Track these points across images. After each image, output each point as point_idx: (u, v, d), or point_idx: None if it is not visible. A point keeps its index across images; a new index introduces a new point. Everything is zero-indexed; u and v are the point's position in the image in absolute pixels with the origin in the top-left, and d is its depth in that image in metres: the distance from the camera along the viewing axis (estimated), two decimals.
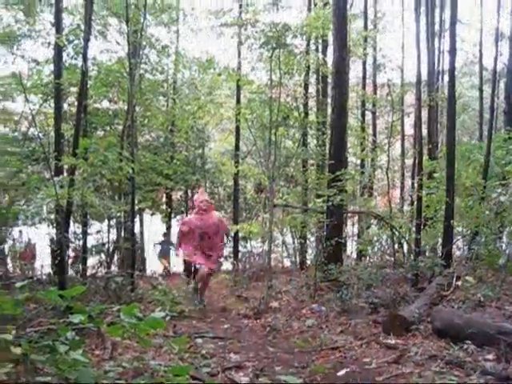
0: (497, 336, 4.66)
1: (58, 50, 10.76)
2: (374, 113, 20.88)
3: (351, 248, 18.60)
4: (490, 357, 4.59)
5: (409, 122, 22.84)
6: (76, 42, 13.53)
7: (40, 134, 15.39)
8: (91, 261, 10.80)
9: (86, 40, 10.50)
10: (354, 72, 21.71)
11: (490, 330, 4.83)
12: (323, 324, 6.91)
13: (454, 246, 10.54)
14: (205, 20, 19.82)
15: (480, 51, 18.08)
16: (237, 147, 16.91)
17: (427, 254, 10.90)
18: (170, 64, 18.21)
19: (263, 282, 9.44)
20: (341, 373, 4.60)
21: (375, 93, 20.81)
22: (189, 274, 10.67)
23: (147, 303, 8.13)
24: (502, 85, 17.23)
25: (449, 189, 9.29)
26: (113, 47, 15.77)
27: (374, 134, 20.65)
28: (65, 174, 10.32)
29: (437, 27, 16.62)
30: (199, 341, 5.84)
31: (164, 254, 17.47)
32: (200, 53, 18.84)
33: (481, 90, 17.68)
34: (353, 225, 19.59)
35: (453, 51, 9.82)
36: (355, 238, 17.24)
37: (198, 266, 9.36)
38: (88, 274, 9.69)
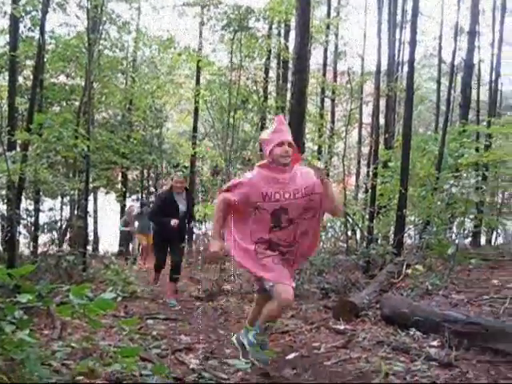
0: (442, 323, 4.78)
1: (15, 20, 10.45)
2: (333, 100, 21.02)
3: None
4: (435, 343, 4.70)
5: (367, 110, 23.08)
6: (33, 13, 13.14)
7: None
8: (43, 238, 10.64)
9: (44, 12, 10.25)
10: (315, 58, 21.80)
11: (436, 317, 4.94)
12: None
13: (406, 235, 10.75)
14: None
15: (439, 44, 18.44)
16: (195, 128, 16.83)
17: (379, 241, 11.09)
18: (130, 41, 17.94)
19: (216, 265, 9.44)
20: (290, 356, 4.66)
21: (335, 80, 20.94)
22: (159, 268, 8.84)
23: (99, 283, 8.06)
24: (459, 78, 17.53)
25: (403, 178, 9.44)
26: (72, 21, 15.43)
27: (333, 122, 20.83)
28: (18, 150, 10.09)
29: (399, 18, 16.78)
30: (150, 322, 5.83)
31: (142, 230, 14.23)
32: (161, 31, 18.67)
33: (438, 83, 18.00)
34: None
35: (413, 43, 9.95)
36: None
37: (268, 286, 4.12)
38: (39, 251, 9.54)
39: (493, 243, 18.34)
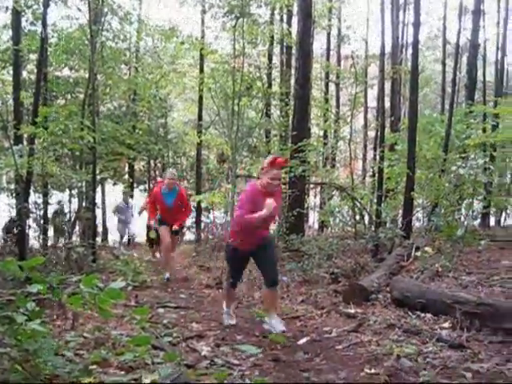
0: (453, 305, 4.78)
1: (17, 15, 10.46)
2: (337, 84, 20.95)
3: (313, 219, 18.79)
4: (446, 325, 4.70)
5: (372, 94, 22.99)
6: (35, 7, 13.10)
7: None
8: (52, 231, 10.69)
9: (46, 5, 10.22)
10: (319, 43, 21.72)
11: (447, 299, 4.94)
12: (284, 294, 6.97)
13: (414, 218, 10.73)
14: None
15: (444, 25, 18.30)
16: (200, 117, 16.77)
17: (387, 225, 11.07)
18: (132, 32, 17.86)
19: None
20: (301, 341, 4.67)
21: (339, 64, 20.87)
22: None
23: (109, 273, 8.09)
24: (464, 59, 17.41)
25: (410, 161, 9.41)
26: (74, 13, 15.35)
27: (338, 106, 20.76)
28: (24, 143, 10.12)
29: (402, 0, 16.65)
30: (161, 311, 5.85)
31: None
32: (163, 21, 18.55)
33: (443, 64, 17.89)
34: (315, 196, 19.76)
35: (417, 24, 9.86)
36: (317, 209, 17.38)
37: None
38: (49, 244, 9.58)
39: (502, 224, 18.30)
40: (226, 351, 4.20)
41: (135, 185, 20.30)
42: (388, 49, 13.84)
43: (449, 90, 16.41)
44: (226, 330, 5.19)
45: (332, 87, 21.37)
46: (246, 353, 4.02)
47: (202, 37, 15.69)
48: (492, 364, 3.71)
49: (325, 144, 16.49)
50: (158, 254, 11.64)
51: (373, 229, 9.73)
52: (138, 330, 4.50)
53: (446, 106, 15.85)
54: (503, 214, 19.12)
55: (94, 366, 3.19)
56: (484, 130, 12.98)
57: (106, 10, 13.77)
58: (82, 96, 14.76)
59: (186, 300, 7.00)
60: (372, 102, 22.86)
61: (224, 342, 4.59)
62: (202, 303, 6.83)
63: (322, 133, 19.48)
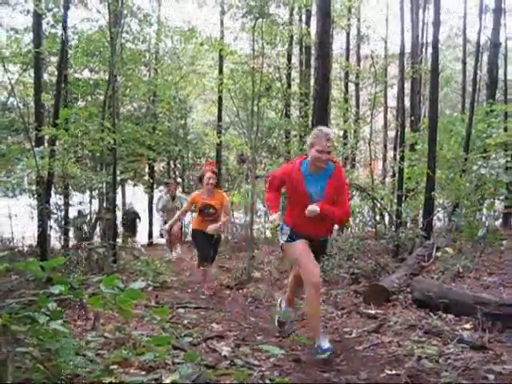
0: (474, 306, 4.74)
1: (37, 17, 10.57)
2: (357, 84, 20.87)
3: None
4: (468, 326, 4.67)
5: (392, 93, 22.88)
6: (55, 9, 13.25)
7: (20, 104, 15.17)
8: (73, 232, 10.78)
9: (66, 8, 10.34)
10: (338, 43, 21.67)
11: (468, 300, 4.91)
12: (304, 294, 6.97)
13: (435, 218, 10.65)
14: None
15: (464, 23, 18.10)
16: (219, 118, 16.81)
17: (408, 225, 11.00)
18: (152, 33, 17.96)
19: (245, 253, 9.47)
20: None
21: (358, 64, 20.78)
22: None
23: (130, 274, 8.14)
24: (485, 58, 17.23)
25: (430, 161, 9.35)
26: (93, 16, 15.49)
27: (357, 106, 20.68)
28: (45, 145, 10.22)
29: None
30: (181, 311, 5.88)
31: None
32: (182, 22, 18.64)
33: (464, 63, 17.73)
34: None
35: (437, 23, 9.79)
36: None
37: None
38: (70, 245, 9.66)
39: None
40: (246, 352, 4.20)
41: (155, 185, 20.38)
42: (408, 48, 13.76)
43: (469, 89, 16.25)
44: (245, 330, 5.21)
45: (351, 87, 21.30)
46: (266, 353, 4.03)
47: (221, 38, 15.73)
48: None
49: (345, 144, 16.40)
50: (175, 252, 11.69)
51: (393, 229, 9.67)
52: (158, 330, 4.53)
53: (467, 106, 15.69)
54: None
55: (115, 366, 3.21)
56: (505, 129, 12.82)
57: (125, 11, 13.84)
58: (102, 98, 14.86)
59: (206, 300, 7.03)
60: (392, 102, 22.76)
61: (244, 343, 4.60)
62: (223, 304, 6.84)
63: (341, 133, 19.42)
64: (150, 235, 17.76)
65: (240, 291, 7.62)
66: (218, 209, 7.55)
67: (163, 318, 4.37)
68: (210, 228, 7.39)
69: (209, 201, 7.52)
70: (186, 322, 5.22)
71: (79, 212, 11.93)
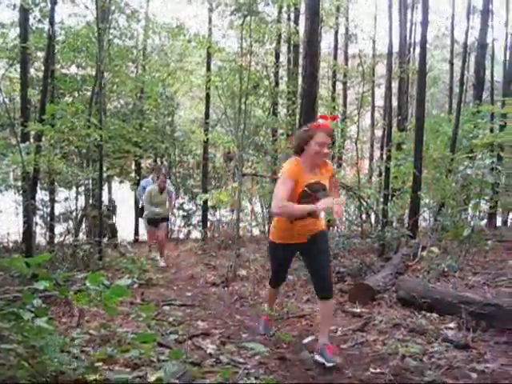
0: (459, 305, 4.78)
1: (24, 12, 10.49)
2: (344, 83, 20.92)
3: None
4: (452, 325, 4.70)
5: (379, 93, 22.95)
6: (42, 4, 13.14)
7: (6, 100, 15.05)
8: (58, 229, 10.72)
9: (53, 3, 10.27)
10: (326, 42, 21.68)
11: (453, 299, 4.94)
12: (290, 292, 6.98)
13: (421, 217, 10.71)
14: None
15: (452, 24, 18.21)
16: (206, 115, 16.76)
17: (394, 224, 11.06)
18: (139, 29, 17.89)
19: (231, 251, 9.47)
20: (306, 340, 4.68)
21: (346, 63, 20.81)
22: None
23: (115, 271, 8.11)
24: (472, 59, 17.35)
25: (416, 160, 9.40)
26: (81, 11, 15.38)
27: (345, 105, 20.72)
28: (31, 141, 10.15)
29: None
30: (167, 308, 5.87)
31: None
32: (170, 19, 18.58)
33: (451, 64, 17.82)
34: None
35: (425, 23, 9.84)
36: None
37: None
38: (55, 241, 9.61)
39: (509, 224, 18.23)
40: (231, 349, 4.21)
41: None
42: (396, 48, 13.82)
43: (456, 89, 16.35)
44: (231, 328, 5.21)
45: (339, 86, 21.35)
46: (251, 351, 4.04)
47: (209, 35, 15.66)
48: (497, 365, 3.72)
49: (332, 143, 16.46)
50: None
51: (379, 228, 9.72)
52: (143, 327, 4.52)
53: (454, 106, 15.80)
54: (510, 215, 19.04)
55: (100, 363, 3.20)
56: (491, 130, 12.93)
57: (113, 7, 13.78)
58: (89, 94, 14.78)
59: (192, 298, 7.02)
60: (379, 101, 22.83)
61: (229, 340, 4.60)
62: (208, 301, 6.84)
63: None
64: (136, 232, 17.69)
65: (226, 289, 7.61)
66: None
67: (149, 316, 4.37)
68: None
69: (317, 179, 4.37)
70: (171, 319, 5.21)
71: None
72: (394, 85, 15.63)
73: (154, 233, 10.47)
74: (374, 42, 21.19)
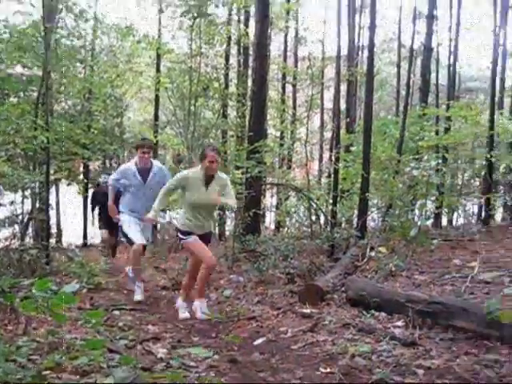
0: (406, 304, 4.87)
1: None
2: (294, 85, 21.09)
3: (269, 219, 18.88)
4: (399, 324, 4.80)
5: (329, 95, 23.22)
6: None
7: None
8: (4, 233, 10.47)
9: None
10: (277, 44, 21.83)
11: (400, 298, 5.03)
12: (241, 294, 7.00)
13: (369, 218, 10.88)
14: None
15: (399, 28, 18.59)
16: (156, 117, 16.65)
17: (343, 225, 11.20)
18: (88, 29, 17.63)
19: (182, 254, 9.42)
20: (257, 342, 4.69)
21: (296, 65, 21.00)
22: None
23: (63, 276, 7.96)
24: (419, 62, 17.74)
25: (365, 162, 9.55)
26: (27, 9, 15.05)
27: (294, 107, 20.90)
28: None
29: (358, 2, 16.88)
30: (117, 313, 5.80)
31: None
32: (119, 19, 18.35)
33: (398, 67, 18.21)
34: (271, 196, 19.86)
35: (372, 28, 10.00)
36: (274, 210, 17.47)
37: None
38: (0, 246, 9.37)
39: (454, 223, 18.69)
40: (182, 353, 4.19)
41: (90, 185, 20.00)
42: (344, 51, 14.03)
43: (403, 92, 16.68)
44: (182, 331, 5.19)
45: (289, 88, 21.51)
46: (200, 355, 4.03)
47: (159, 36, 15.58)
48: (442, 360, 3.81)
49: (281, 145, 16.57)
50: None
51: (328, 229, 9.83)
52: (92, 333, 4.45)
53: (401, 109, 16.13)
54: (455, 214, 19.54)
55: (48, 372, 3.13)
56: (437, 133, 13.26)
57: (60, 6, 13.55)
58: (35, 94, 14.45)
59: (142, 302, 6.96)
60: (329, 104, 23.09)
61: (180, 344, 4.58)
62: (158, 305, 6.79)
63: (278, 134, 19.57)
64: (85, 236, 17.42)
65: (176, 292, 7.57)
66: None
67: (98, 321, 4.31)
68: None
69: None
70: (121, 324, 5.15)
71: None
72: (343, 87, 15.85)
73: None
74: (323, 44, 21.46)
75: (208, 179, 5.98)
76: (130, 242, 7.11)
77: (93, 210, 11.16)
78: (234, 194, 6.41)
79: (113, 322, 5.25)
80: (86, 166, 19.47)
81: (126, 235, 7.17)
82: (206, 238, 6.18)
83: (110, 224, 9.55)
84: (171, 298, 7.18)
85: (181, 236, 6.08)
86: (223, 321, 5.26)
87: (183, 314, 5.99)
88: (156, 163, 7.44)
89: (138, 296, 6.94)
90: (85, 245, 16.13)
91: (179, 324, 5.53)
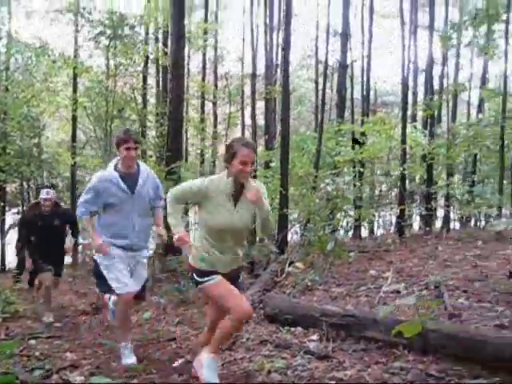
0: (320, 318, 5.02)
1: None
2: (214, 103, 21.22)
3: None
4: (314, 337, 4.93)
5: (249, 112, 23.48)
6: None
7: None
8: None
9: None
10: (196, 62, 21.93)
11: (315, 312, 5.17)
12: (161, 316, 6.98)
13: (292, 232, 11.07)
14: (39, 2, 18.98)
15: (316, 46, 19.14)
16: (73, 138, 16.31)
17: (265, 241, 11.33)
18: (1, 48, 17.17)
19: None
20: (176, 364, 4.71)
21: (216, 83, 21.14)
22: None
23: None
24: (335, 78, 18.24)
25: (283, 178, 9.74)
26: None
27: (215, 125, 21.02)
28: None
29: (276, 21, 17.19)
30: (33, 342, 5.68)
31: None
32: (34, 38, 17.95)
33: (316, 83, 18.69)
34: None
35: (287, 48, 10.26)
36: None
37: None
38: None
39: (374, 234, 19.25)
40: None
41: (7, 208, 19.38)
42: (262, 69, 14.29)
43: None
44: (101, 357, 5.13)
45: (209, 106, 21.62)
46: (119, 380, 4.01)
47: (75, 56, 15.34)
48: (355, 371, 3.96)
49: (202, 162, 16.62)
50: None
51: (248, 246, 9.93)
52: (5, 365, 4.35)
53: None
54: (375, 225, 20.13)
55: None
56: (353, 147, 13.67)
57: None
58: None
59: (61, 328, 6.83)
60: (249, 120, 23.35)
61: (98, 371, 4.53)
62: (78, 331, 6.68)
63: (199, 152, 19.62)
64: (3, 261, 16.84)
65: (96, 316, 7.47)
66: None
67: (13, 352, 4.22)
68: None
69: None
70: (37, 353, 5.05)
71: None
72: (262, 104, 16.10)
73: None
74: (242, 63, 21.70)
75: (238, 191, 3.94)
76: (110, 290, 5.06)
77: (25, 240, 7.90)
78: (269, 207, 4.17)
79: (29, 352, 5.14)
80: (2, 189, 18.82)
81: (101, 278, 5.03)
82: (234, 277, 4.23)
83: (50, 260, 7.67)
84: (91, 323, 7.08)
85: (197, 278, 4.01)
86: (144, 343, 5.23)
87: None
88: (142, 165, 5.11)
89: (128, 360, 4.76)
90: (2, 270, 15.58)
91: (98, 350, 5.46)
